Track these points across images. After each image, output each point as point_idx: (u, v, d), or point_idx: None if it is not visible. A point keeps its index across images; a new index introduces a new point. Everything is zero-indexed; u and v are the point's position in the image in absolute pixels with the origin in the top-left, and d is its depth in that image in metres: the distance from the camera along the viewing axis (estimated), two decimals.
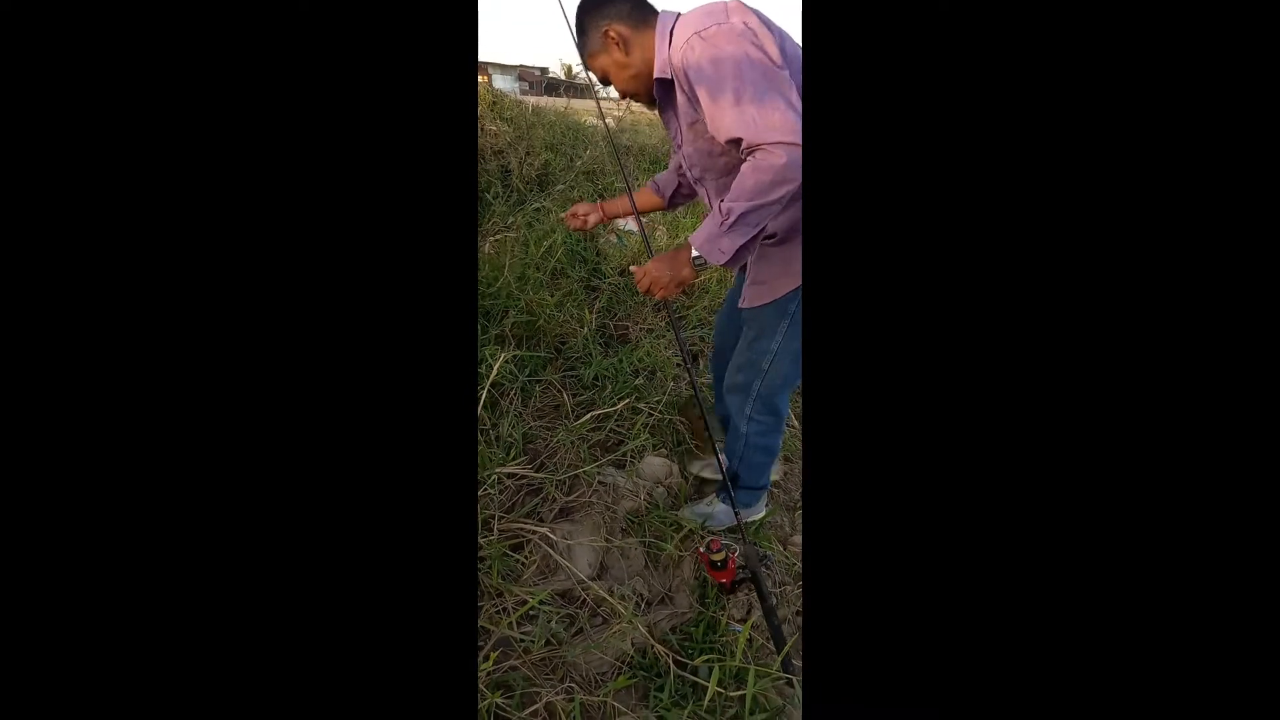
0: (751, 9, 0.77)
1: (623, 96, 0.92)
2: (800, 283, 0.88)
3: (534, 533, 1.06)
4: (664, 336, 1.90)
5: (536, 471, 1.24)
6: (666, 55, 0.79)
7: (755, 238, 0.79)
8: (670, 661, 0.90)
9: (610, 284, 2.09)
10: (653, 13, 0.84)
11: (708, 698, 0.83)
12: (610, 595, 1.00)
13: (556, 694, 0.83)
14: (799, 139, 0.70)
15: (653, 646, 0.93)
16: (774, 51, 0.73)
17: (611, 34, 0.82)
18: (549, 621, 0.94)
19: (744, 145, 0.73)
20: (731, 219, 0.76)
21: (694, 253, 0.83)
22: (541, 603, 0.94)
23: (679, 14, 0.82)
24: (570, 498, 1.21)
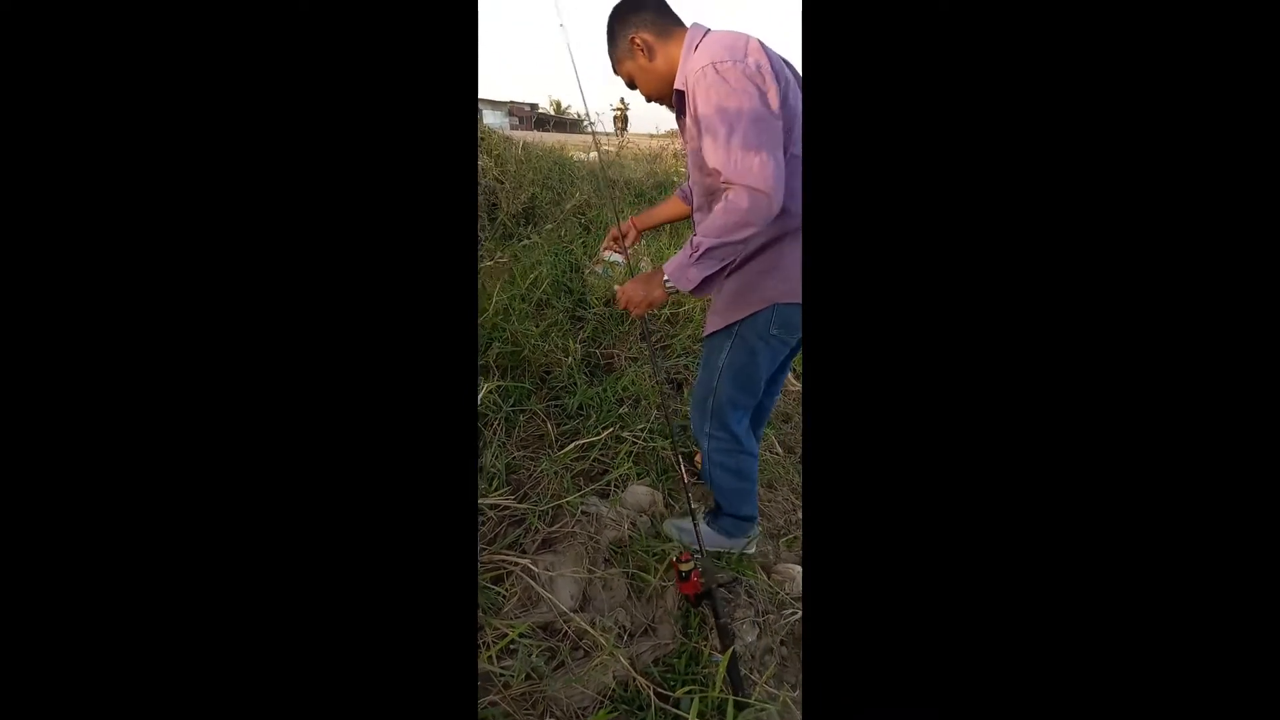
0: (771, 53, 0.83)
1: (648, 100, 0.97)
2: (747, 312, 0.94)
3: (515, 564, 1.06)
4: (649, 364, 1.93)
5: (519, 502, 1.24)
6: (686, 70, 0.84)
7: (721, 270, 0.86)
8: (652, 694, 0.89)
9: (595, 314, 2.12)
10: (679, 25, 0.90)
11: None
12: (592, 627, 0.99)
13: None
14: (770, 188, 0.75)
15: (634, 679, 0.92)
16: (774, 101, 0.78)
17: (638, 41, 0.89)
18: (529, 655, 0.93)
19: (722, 179, 0.79)
20: (699, 252, 0.83)
21: (665, 277, 0.90)
22: (522, 635, 0.94)
23: (708, 30, 0.87)
24: (553, 528, 1.20)
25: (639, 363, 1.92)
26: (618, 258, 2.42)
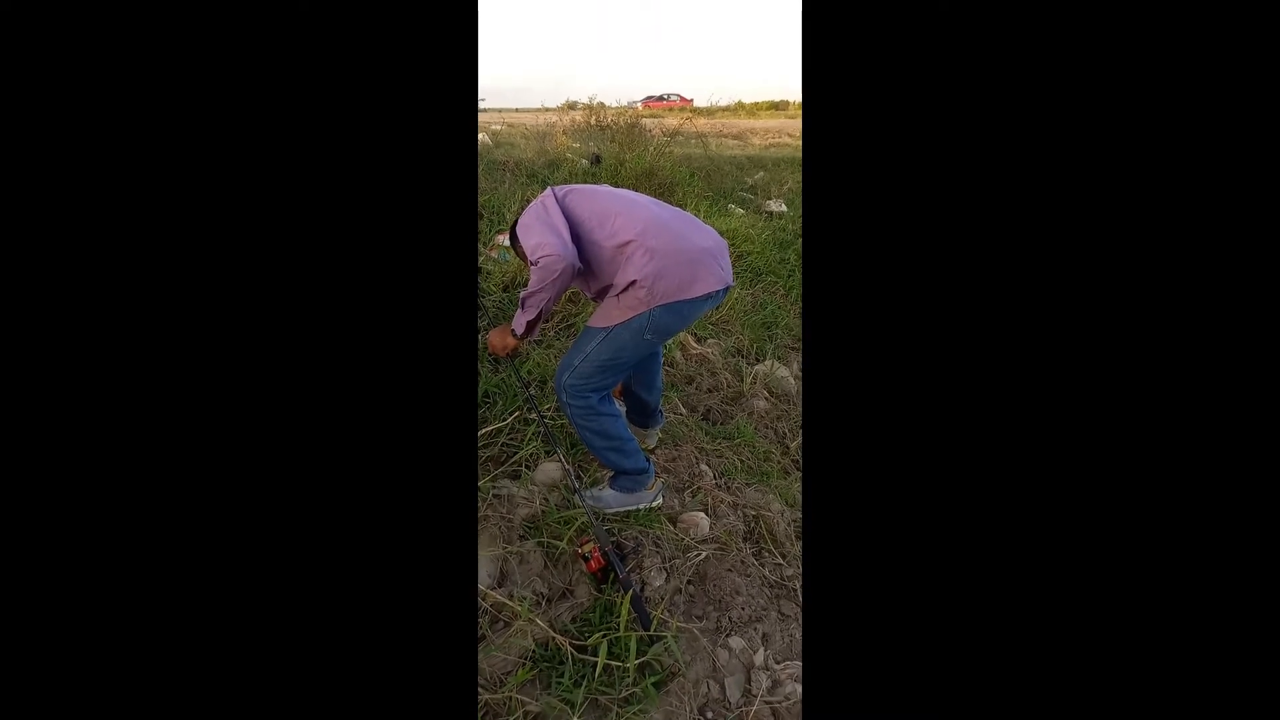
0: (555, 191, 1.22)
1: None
2: (614, 323, 1.18)
3: None
4: (552, 346, 1.97)
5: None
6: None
7: (540, 315, 1.20)
8: (569, 647, 0.97)
9: (494, 300, 2.12)
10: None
11: (598, 670, 0.90)
12: (510, 599, 1.05)
13: None
14: (549, 252, 1.10)
15: (553, 638, 0.99)
16: (551, 205, 1.19)
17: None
18: None
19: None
20: (521, 303, 1.19)
21: (512, 326, 1.26)
22: None
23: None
24: None
25: (543, 345, 1.95)
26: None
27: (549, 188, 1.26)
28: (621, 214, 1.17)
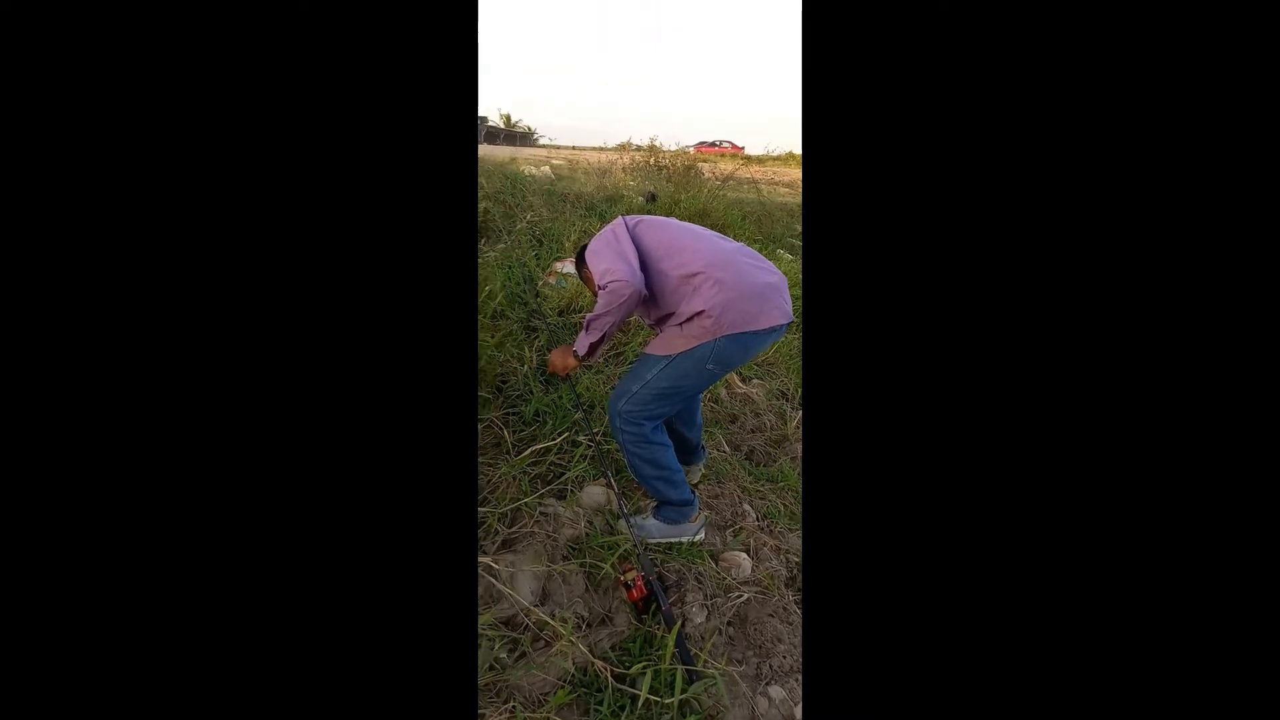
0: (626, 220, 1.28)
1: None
2: (676, 352, 1.20)
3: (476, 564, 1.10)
4: (602, 371, 2.00)
5: (479, 506, 1.28)
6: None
7: (603, 338, 1.23)
8: (609, 675, 0.96)
9: (550, 324, 2.18)
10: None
11: (639, 704, 0.89)
12: (552, 619, 1.05)
13: (500, 714, 0.87)
14: (617, 277, 1.14)
15: (592, 663, 0.98)
16: (622, 233, 1.24)
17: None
18: (492, 647, 0.98)
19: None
20: (586, 325, 1.22)
21: (574, 348, 1.28)
22: (484, 629, 0.98)
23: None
24: (512, 529, 1.26)
25: (593, 370, 1.99)
26: (571, 269, 2.50)
27: (620, 217, 1.30)
28: (690, 246, 1.21)
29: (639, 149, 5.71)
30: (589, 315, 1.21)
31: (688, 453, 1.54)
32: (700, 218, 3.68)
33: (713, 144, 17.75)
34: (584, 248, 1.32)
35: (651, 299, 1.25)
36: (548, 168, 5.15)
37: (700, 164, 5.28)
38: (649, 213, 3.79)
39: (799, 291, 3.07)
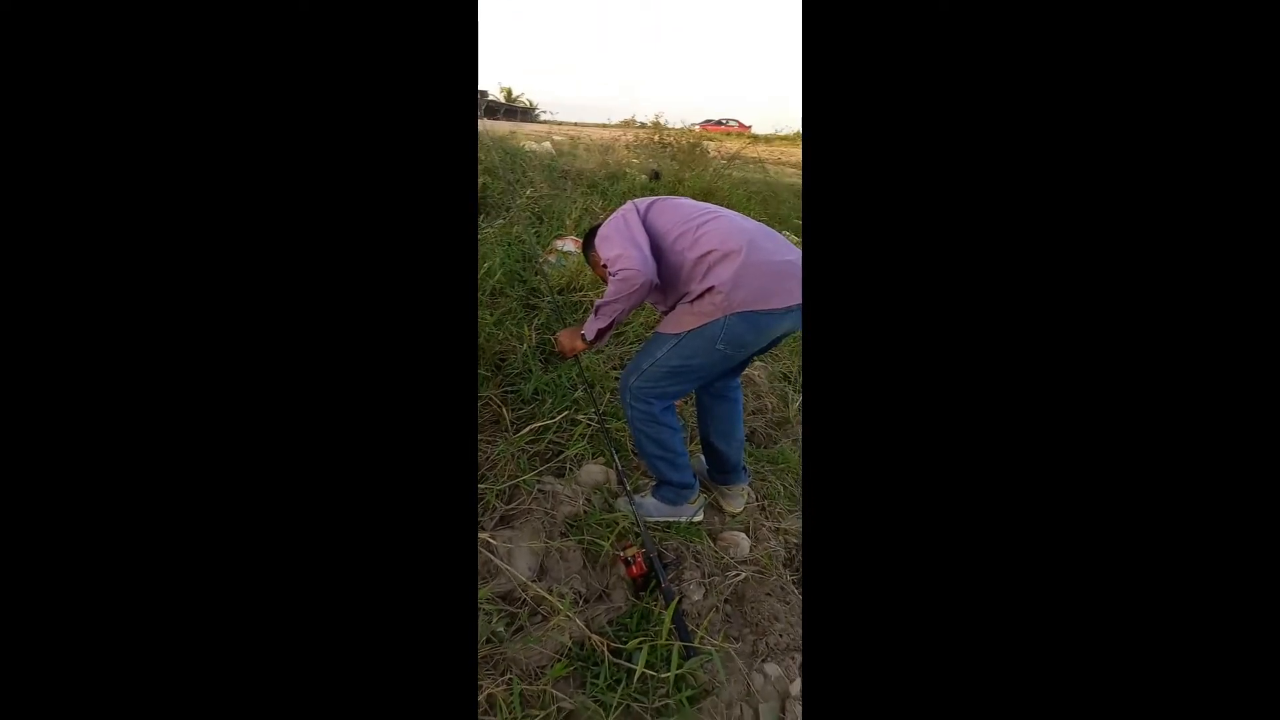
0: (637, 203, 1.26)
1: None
2: (686, 329, 1.17)
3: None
4: (603, 351, 1.99)
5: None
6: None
7: (611, 325, 1.22)
8: (605, 649, 0.96)
9: (550, 302, 2.16)
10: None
11: (635, 678, 0.89)
12: (549, 594, 1.05)
13: (497, 685, 0.87)
14: (629, 265, 1.12)
15: (589, 638, 0.99)
16: (633, 219, 1.22)
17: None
18: (490, 621, 0.98)
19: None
20: (595, 310, 1.20)
21: (582, 330, 1.26)
22: (481, 602, 0.99)
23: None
24: (510, 506, 1.26)
25: (593, 349, 1.98)
26: (572, 247, 2.47)
27: (631, 201, 1.27)
28: (707, 224, 1.17)
29: (643, 126, 5.61)
30: (599, 300, 1.19)
31: (726, 470, 1.41)
32: (705, 197, 3.63)
33: (719, 122, 17.47)
34: (592, 230, 1.29)
35: (666, 284, 1.21)
36: (549, 143, 5.07)
37: (705, 142, 5.19)
38: (653, 191, 3.74)
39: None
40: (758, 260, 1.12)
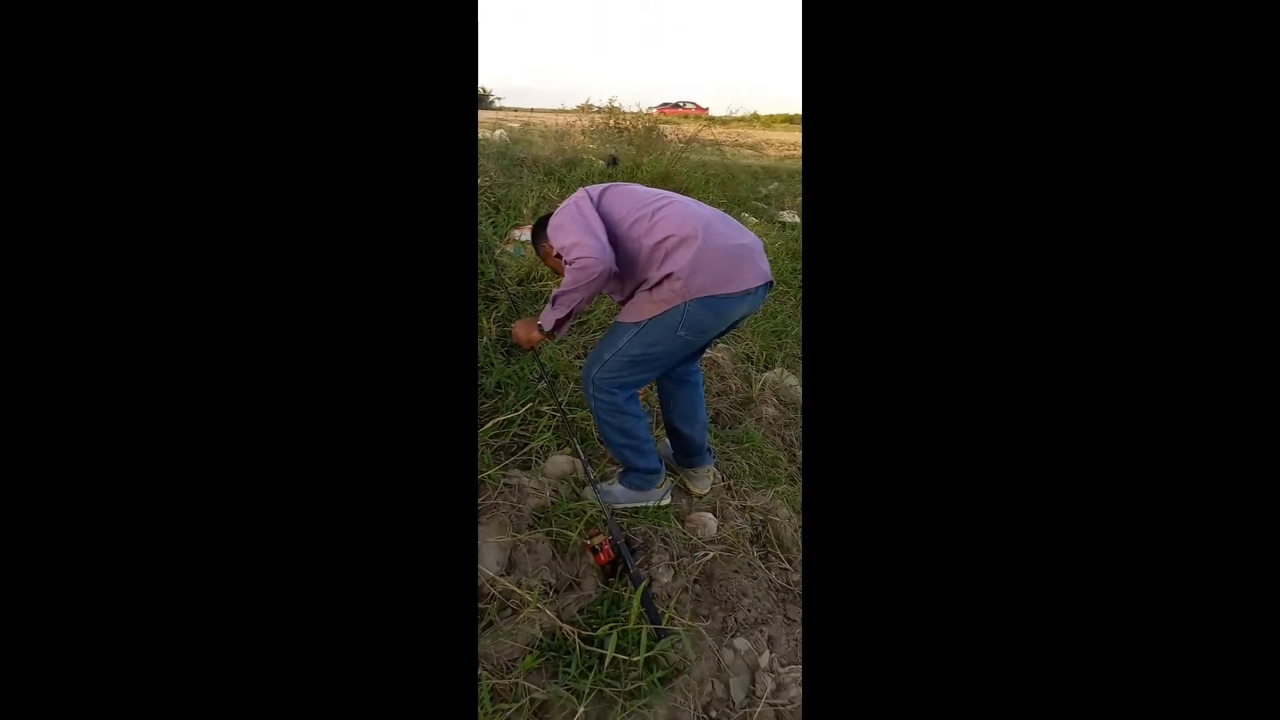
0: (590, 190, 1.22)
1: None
2: (646, 318, 1.17)
3: None
4: (565, 341, 1.97)
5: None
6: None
7: (570, 315, 1.18)
8: (576, 637, 0.97)
9: (510, 293, 2.12)
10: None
11: (606, 663, 0.90)
12: (518, 588, 1.05)
13: None
14: (586, 254, 1.09)
15: (560, 628, 0.99)
16: (587, 206, 1.19)
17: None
18: None
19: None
20: (552, 301, 1.17)
21: (539, 321, 1.23)
22: None
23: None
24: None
25: (556, 339, 1.96)
26: (527, 236, 2.43)
27: (583, 189, 1.24)
28: (662, 210, 1.16)
29: (598, 111, 5.53)
30: (556, 290, 1.16)
31: (690, 454, 1.43)
32: (663, 181, 3.61)
33: (675, 105, 17.35)
34: (542, 220, 1.26)
35: (623, 272, 1.19)
36: (502, 131, 4.95)
37: (662, 126, 5.15)
38: (610, 178, 3.70)
39: (772, 257, 3.08)
40: (715, 245, 1.12)
